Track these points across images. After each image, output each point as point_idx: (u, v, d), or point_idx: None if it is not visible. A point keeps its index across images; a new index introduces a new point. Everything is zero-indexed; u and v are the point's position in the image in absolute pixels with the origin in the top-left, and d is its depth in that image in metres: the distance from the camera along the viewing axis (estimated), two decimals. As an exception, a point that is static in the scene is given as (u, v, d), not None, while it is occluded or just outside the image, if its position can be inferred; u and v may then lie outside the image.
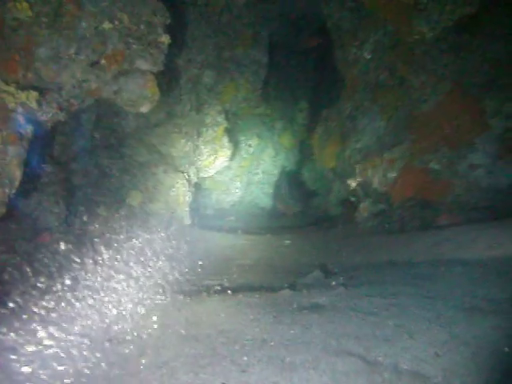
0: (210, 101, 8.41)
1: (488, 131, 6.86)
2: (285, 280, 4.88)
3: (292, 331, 3.35)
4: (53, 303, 3.67)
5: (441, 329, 3.14)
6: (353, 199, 8.53)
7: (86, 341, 3.24)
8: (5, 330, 3.27)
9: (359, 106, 8.60)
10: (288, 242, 7.29)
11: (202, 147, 8.24)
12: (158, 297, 4.22)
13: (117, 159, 7.10)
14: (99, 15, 4.59)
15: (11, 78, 4.07)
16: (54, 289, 3.85)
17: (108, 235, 5.07)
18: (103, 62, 4.76)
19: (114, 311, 3.75)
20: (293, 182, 11.53)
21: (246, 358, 2.95)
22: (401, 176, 7.62)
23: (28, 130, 4.07)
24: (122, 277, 4.33)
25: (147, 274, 4.56)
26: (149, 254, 4.96)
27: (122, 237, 5.06)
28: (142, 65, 5.03)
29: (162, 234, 5.96)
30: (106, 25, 4.63)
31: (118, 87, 5.02)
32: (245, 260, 6.10)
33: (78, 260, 4.31)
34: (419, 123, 7.50)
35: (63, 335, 3.29)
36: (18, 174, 3.97)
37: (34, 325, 3.37)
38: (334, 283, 4.53)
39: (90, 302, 3.75)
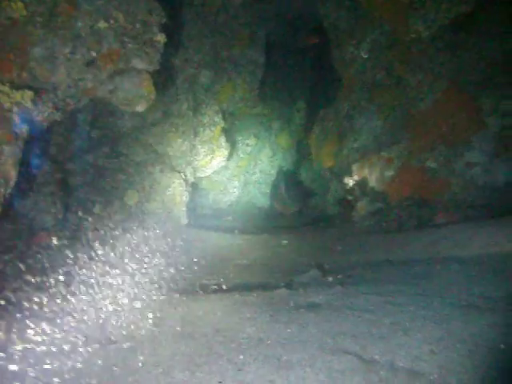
0: (207, 101, 8.40)
1: (484, 129, 6.88)
2: (282, 279, 4.87)
3: (288, 330, 3.34)
4: (47, 302, 3.66)
5: (437, 326, 3.14)
6: (350, 198, 8.52)
7: (80, 340, 3.23)
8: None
9: (356, 106, 8.60)
10: (285, 241, 7.28)
11: (199, 147, 8.23)
12: (155, 296, 4.21)
13: (113, 159, 7.08)
14: (94, 14, 4.58)
15: (6, 77, 4.05)
16: (50, 291, 3.84)
17: (104, 233, 5.06)
18: (99, 61, 4.74)
19: (111, 310, 3.75)
20: (290, 182, 11.52)
21: (242, 357, 2.95)
22: (398, 175, 7.63)
23: (23, 129, 4.06)
24: (120, 276, 4.32)
25: (143, 273, 4.55)
26: (145, 252, 4.95)
27: (117, 233, 5.06)
28: (138, 64, 5.02)
29: (159, 234, 5.96)
30: (102, 24, 4.62)
31: (113, 86, 5.01)
32: (242, 259, 6.09)
33: (72, 259, 4.30)
34: (416, 122, 7.51)
35: (57, 332, 3.28)
36: (13, 173, 3.96)
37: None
38: (330, 282, 4.53)
39: (85, 306, 3.74)
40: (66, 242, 5.21)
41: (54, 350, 3.08)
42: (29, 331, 3.28)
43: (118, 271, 4.30)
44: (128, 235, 5.58)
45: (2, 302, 3.61)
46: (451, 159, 7.10)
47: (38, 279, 4.01)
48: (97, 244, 4.74)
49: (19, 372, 2.82)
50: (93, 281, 4.05)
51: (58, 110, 4.56)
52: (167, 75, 7.33)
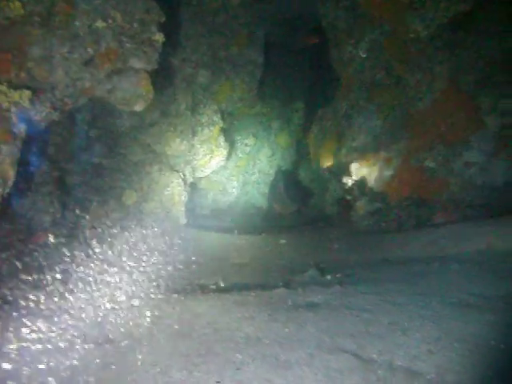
0: (206, 100, 8.39)
1: (483, 129, 6.88)
2: (280, 279, 4.87)
3: (287, 329, 3.34)
4: (43, 300, 3.66)
5: (435, 326, 3.15)
6: (349, 198, 8.52)
7: (78, 338, 3.23)
8: None
9: (355, 105, 8.59)
10: (284, 241, 7.28)
11: (198, 146, 8.22)
12: (153, 295, 4.20)
13: (111, 158, 7.08)
14: (92, 14, 4.57)
15: (4, 77, 4.04)
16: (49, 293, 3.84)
17: (102, 233, 5.06)
18: (97, 60, 4.74)
19: (108, 308, 3.74)
20: (289, 182, 11.52)
21: (240, 356, 2.94)
22: (397, 174, 7.63)
23: (21, 129, 4.05)
24: (117, 275, 4.32)
25: (141, 272, 4.55)
26: (143, 252, 4.95)
27: (115, 233, 5.06)
28: (136, 63, 5.01)
29: (157, 233, 5.96)
30: (100, 23, 4.61)
31: (111, 86, 5.00)
32: (240, 259, 6.08)
33: (70, 258, 4.30)
34: (415, 121, 7.51)
35: (53, 330, 3.28)
36: (11, 173, 3.95)
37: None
38: (329, 281, 4.53)
39: (82, 305, 3.74)
40: (63, 241, 5.21)
41: (50, 348, 3.08)
42: (25, 329, 3.27)
43: (115, 270, 4.30)
44: (126, 235, 5.59)
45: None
46: (450, 159, 7.10)
47: (35, 277, 4.01)
48: (94, 243, 4.74)
49: (13, 370, 2.82)
50: (90, 279, 4.05)
51: (56, 110, 4.55)
52: (165, 75, 7.32)
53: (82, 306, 3.70)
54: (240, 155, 10.30)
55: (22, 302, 3.66)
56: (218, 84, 8.60)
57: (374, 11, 7.86)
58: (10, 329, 3.27)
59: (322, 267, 5.15)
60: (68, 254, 4.52)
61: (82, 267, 4.24)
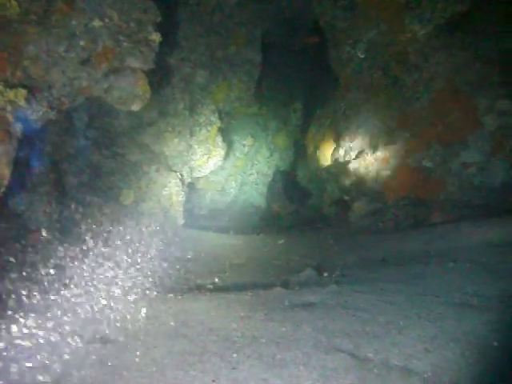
0: (203, 100, 8.38)
1: (480, 129, 6.89)
2: (277, 278, 4.87)
3: (283, 328, 3.33)
4: (39, 302, 3.65)
5: (431, 325, 3.14)
6: (347, 198, 8.53)
7: (72, 337, 3.22)
8: None
9: (353, 106, 8.60)
10: (281, 241, 7.28)
11: (196, 147, 8.21)
12: (149, 294, 4.20)
13: (109, 158, 7.06)
14: (89, 13, 4.56)
15: (0, 76, 4.04)
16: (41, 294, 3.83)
17: (99, 234, 5.04)
18: (93, 59, 4.73)
19: (104, 308, 3.73)
20: (287, 182, 11.52)
21: (236, 355, 2.94)
22: (394, 174, 7.63)
23: (17, 128, 4.04)
24: (114, 275, 4.31)
25: (138, 271, 4.54)
26: (140, 252, 4.94)
27: (113, 234, 5.04)
28: (133, 63, 5.00)
29: (155, 234, 5.94)
30: (96, 22, 4.60)
31: (108, 85, 5.00)
32: (238, 259, 6.08)
33: (67, 258, 4.29)
34: (412, 121, 7.52)
35: (48, 331, 3.27)
36: (6, 172, 3.94)
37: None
38: (325, 281, 4.52)
39: (78, 304, 3.73)
40: (60, 241, 5.20)
41: (44, 348, 3.07)
42: (16, 326, 3.26)
43: (112, 270, 4.29)
44: (123, 235, 5.57)
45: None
46: (447, 159, 7.11)
47: (32, 276, 4.00)
48: (91, 244, 4.73)
49: (4, 368, 2.81)
50: (87, 279, 4.04)
51: (53, 109, 4.54)
52: (163, 75, 7.32)
53: (77, 304, 3.69)
54: (238, 155, 10.29)
55: (15, 299, 3.65)
56: (216, 84, 8.59)
57: (371, 11, 7.88)
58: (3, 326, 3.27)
59: (319, 267, 5.15)
60: (65, 254, 4.51)
61: (78, 267, 4.23)
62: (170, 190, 7.53)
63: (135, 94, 5.17)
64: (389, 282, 4.22)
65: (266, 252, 6.63)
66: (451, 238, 5.64)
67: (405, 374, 2.58)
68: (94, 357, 2.98)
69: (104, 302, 3.84)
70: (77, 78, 4.73)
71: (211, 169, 8.84)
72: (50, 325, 3.33)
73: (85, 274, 4.14)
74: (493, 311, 3.28)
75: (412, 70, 7.54)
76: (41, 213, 5.87)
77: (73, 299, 3.76)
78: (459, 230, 5.89)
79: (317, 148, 9.58)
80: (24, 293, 3.71)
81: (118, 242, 5.06)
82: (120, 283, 4.21)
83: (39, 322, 3.36)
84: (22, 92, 4.01)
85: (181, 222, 7.68)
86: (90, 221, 6.05)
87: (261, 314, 3.65)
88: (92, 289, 3.97)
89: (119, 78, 5.00)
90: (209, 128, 8.37)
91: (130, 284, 4.27)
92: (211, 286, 4.68)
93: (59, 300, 3.72)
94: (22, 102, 4.02)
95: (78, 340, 3.20)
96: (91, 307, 3.70)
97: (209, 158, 8.47)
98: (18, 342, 3.10)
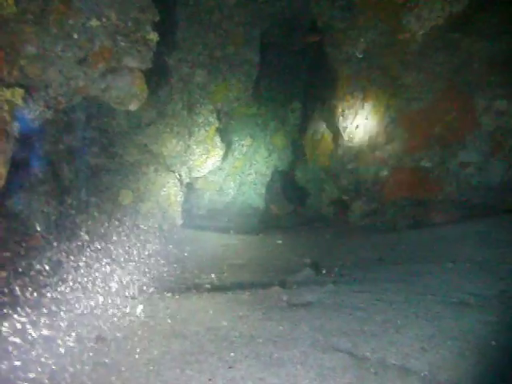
0: (202, 100, 8.37)
1: (479, 129, 6.88)
2: (275, 278, 4.86)
3: (280, 328, 3.33)
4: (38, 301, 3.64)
5: (428, 324, 3.14)
6: (345, 198, 8.52)
7: (68, 336, 3.21)
8: None
9: (351, 106, 8.60)
10: (280, 241, 7.27)
11: (194, 147, 8.20)
12: (147, 294, 4.19)
13: (107, 158, 7.06)
14: (86, 12, 4.55)
15: (-3, 75, 4.04)
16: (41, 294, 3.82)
17: (97, 234, 5.04)
18: (90, 59, 4.72)
19: (101, 307, 3.73)
20: (286, 182, 11.51)
21: (233, 355, 2.93)
22: (393, 174, 7.63)
23: (14, 127, 4.03)
24: (112, 275, 4.31)
25: (136, 271, 4.53)
26: (138, 252, 4.93)
27: (111, 233, 5.04)
28: (130, 62, 4.99)
29: (153, 234, 5.94)
30: (94, 22, 4.59)
31: (105, 85, 4.98)
32: (236, 259, 6.07)
33: (65, 258, 4.28)
34: (411, 121, 7.52)
35: (45, 329, 3.26)
36: (3, 171, 3.93)
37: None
38: (323, 281, 4.51)
39: (75, 303, 3.72)
40: (59, 241, 5.19)
41: (42, 346, 3.06)
42: (11, 323, 3.26)
43: (110, 269, 4.28)
44: (122, 235, 5.56)
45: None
46: (446, 159, 7.11)
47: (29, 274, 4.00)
48: (89, 243, 4.72)
49: None
50: (85, 278, 4.03)
51: (50, 109, 4.53)
52: (161, 74, 7.32)
53: (74, 303, 3.68)
54: (237, 156, 10.28)
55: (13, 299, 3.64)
56: (215, 84, 8.59)
57: (370, 11, 7.87)
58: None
59: (317, 267, 5.14)
60: (63, 254, 4.50)
61: (76, 266, 4.22)
62: (169, 191, 7.53)
63: (133, 94, 5.15)
64: (387, 282, 4.21)
65: (264, 252, 6.62)
66: (449, 238, 5.64)
67: (402, 373, 2.58)
68: (89, 356, 2.97)
69: (100, 300, 3.83)
70: (74, 78, 4.71)
71: (210, 169, 8.82)
72: (45, 322, 3.33)
73: (82, 275, 4.14)
74: (491, 311, 3.27)
75: (410, 70, 7.53)
76: (38, 212, 5.86)
77: (66, 298, 3.77)
78: (457, 230, 5.90)
79: (315, 148, 9.58)
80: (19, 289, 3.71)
81: (116, 242, 5.05)
82: (117, 283, 4.20)
83: (33, 318, 3.36)
84: (19, 91, 4.00)
85: (179, 221, 7.67)
86: (88, 221, 6.05)
87: (258, 314, 3.64)
88: (88, 289, 3.97)
89: (116, 78, 4.99)
90: (207, 128, 8.36)
91: (127, 283, 4.26)
92: (209, 286, 4.67)
93: (55, 298, 3.71)
94: (19, 102, 4.01)
95: (75, 338, 3.20)
96: (87, 306, 3.69)
97: (207, 158, 8.46)
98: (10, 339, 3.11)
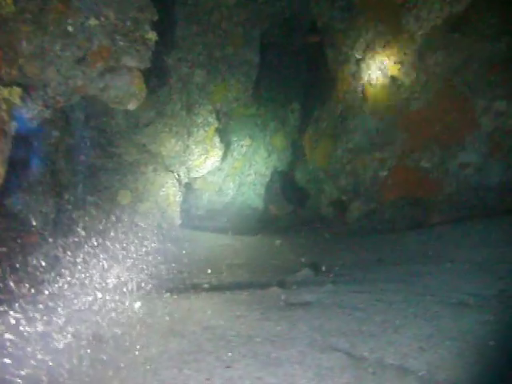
0: (201, 100, 8.37)
1: (478, 130, 6.88)
2: (274, 278, 4.85)
3: (278, 327, 3.32)
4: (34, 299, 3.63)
5: (427, 324, 3.13)
6: (344, 199, 8.52)
7: (66, 335, 3.20)
8: None
9: (350, 106, 8.60)
10: (279, 242, 7.26)
11: (193, 147, 8.20)
12: (145, 293, 4.18)
13: (106, 158, 7.05)
14: (85, 11, 4.55)
15: (-5, 74, 4.03)
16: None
17: (96, 234, 5.02)
18: (89, 58, 4.72)
19: (98, 306, 3.72)
20: (285, 183, 11.50)
21: (230, 354, 2.92)
22: (391, 175, 7.63)
23: (12, 126, 4.02)
24: (110, 274, 4.30)
25: (134, 271, 4.52)
26: (136, 252, 4.92)
27: (109, 233, 5.02)
28: (129, 61, 4.99)
29: (152, 234, 5.92)
30: (92, 21, 4.59)
31: (104, 84, 4.98)
32: (235, 259, 6.07)
33: (63, 258, 4.27)
34: (409, 122, 7.52)
35: (41, 326, 3.25)
36: (1, 171, 3.92)
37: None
38: (322, 281, 4.51)
39: (72, 302, 3.71)
40: (57, 241, 5.17)
41: (38, 345, 3.05)
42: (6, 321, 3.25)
43: (108, 269, 4.27)
44: (120, 235, 5.55)
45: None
46: (445, 159, 7.10)
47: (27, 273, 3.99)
48: (87, 243, 4.71)
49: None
50: (82, 278, 4.02)
51: (48, 108, 4.53)
52: (160, 74, 7.31)
53: (70, 303, 3.67)
54: (236, 156, 10.27)
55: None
56: (214, 84, 8.59)
57: (369, 12, 7.88)
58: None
59: (316, 267, 5.14)
60: (61, 254, 4.49)
61: (73, 265, 4.21)
62: (167, 191, 7.52)
63: (131, 93, 5.15)
64: (385, 282, 4.21)
65: (263, 252, 6.61)
66: (449, 239, 5.63)
67: (400, 373, 2.57)
68: (86, 355, 2.96)
69: (97, 300, 3.82)
70: (72, 77, 4.71)
71: (209, 169, 8.83)
72: (42, 320, 3.32)
73: (79, 273, 4.13)
74: (490, 311, 3.26)
75: (410, 71, 7.54)
76: (37, 212, 5.85)
77: (64, 297, 3.76)
78: (456, 231, 5.89)
79: (314, 148, 9.57)
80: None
81: (115, 242, 5.04)
82: (115, 284, 4.19)
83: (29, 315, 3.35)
84: (17, 90, 4.00)
85: (178, 222, 7.67)
86: (86, 220, 6.04)
87: (256, 313, 3.63)
88: (85, 287, 3.96)
89: (115, 77, 4.98)
90: (206, 128, 8.36)
91: (125, 284, 4.25)
92: (207, 286, 4.66)
93: (52, 296, 3.70)
94: (17, 101, 4.01)
95: (69, 336, 3.19)
96: (83, 306, 3.68)
97: (206, 158, 8.46)
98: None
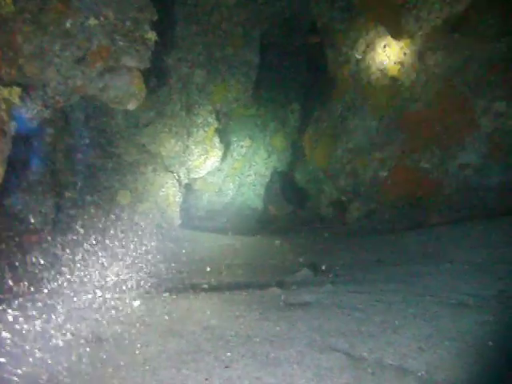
0: (201, 101, 8.37)
1: (478, 130, 6.88)
2: (273, 278, 4.84)
3: (277, 327, 3.31)
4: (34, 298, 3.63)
5: (426, 324, 3.13)
6: (344, 199, 8.52)
7: (65, 336, 3.20)
8: None
9: (350, 107, 8.61)
10: (278, 242, 7.25)
11: (193, 147, 8.19)
12: (144, 294, 4.18)
13: (106, 158, 7.05)
14: (84, 11, 4.55)
15: (-6, 74, 4.03)
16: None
17: (95, 234, 5.02)
18: (88, 58, 4.71)
19: (97, 306, 3.72)
20: (285, 183, 11.50)
21: (229, 354, 2.91)
22: (391, 175, 7.63)
23: (11, 126, 4.02)
24: (109, 274, 4.30)
25: (133, 271, 4.52)
26: (136, 252, 4.92)
27: (109, 233, 5.02)
28: (128, 61, 4.98)
29: (151, 234, 5.92)
30: (92, 21, 4.59)
31: (103, 84, 4.97)
32: (234, 260, 6.06)
33: (62, 258, 4.27)
34: (409, 123, 7.52)
35: (40, 326, 3.25)
36: (0, 171, 3.92)
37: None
38: (321, 281, 4.50)
39: (71, 301, 3.71)
40: (56, 241, 5.18)
41: (36, 344, 3.05)
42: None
43: (107, 269, 4.27)
44: (120, 235, 5.55)
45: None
46: (444, 160, 7.10)
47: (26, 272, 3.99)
48: (87, 243, 4.71)
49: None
50: (81, 278, 4.02)
51: (48, 108, 4.53)
52: (160, 74, 7.31)
53: (69, 303, 3.67)
54: (236, 157, 10.28)
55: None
56: (214, 84, 8.58)
57: (368, 12, 7.88)
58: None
59: (315, 267, 5.13)
60: (61, 254, 4.50)
61: (72, 266, 4.21)
62: (167, 191, 7.52)
63: (131, 93, 5.15)
64: (384, 282, 4.20)
65: (262, 253, 6.60)
66: (448, 239, 5.63)
67: (399, 373, 2.56)
68: (85, 355, 2.96)
69: (96, 300, 3.82)
70: (72, 77, 4.71)
71: (208, 170, 8.82)
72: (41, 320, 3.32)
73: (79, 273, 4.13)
74: (489, 311, 3.26)
75: (410, 71, 7.54)
76: (37, 212, 5.85)
77: (63, 295, 3.76)
78: (456, 231, 5.89)
79: (314, 149, 9.57)
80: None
81: (114, 243, 5.04)
82: (114, 284, 4.19)
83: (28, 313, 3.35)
84: (17, 90, 3.99)
85: (178, 222, 7.66)
86: (85, 220, 6.04)
87: (255, 314, 3.62)
88: (85, 287, 3.96)
89: (115, 77, 4.98)
90: (206, 129, 8.36)
91: (124, 284, 4.25)
92: (206, 286, 4.65)
93: (51, 295, 3.70)
94: (17, 101, 4.01)
95: (66, 336, 3.18)
96: (82, 306, 3.68)
97: (206, 158, 8.46)
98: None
